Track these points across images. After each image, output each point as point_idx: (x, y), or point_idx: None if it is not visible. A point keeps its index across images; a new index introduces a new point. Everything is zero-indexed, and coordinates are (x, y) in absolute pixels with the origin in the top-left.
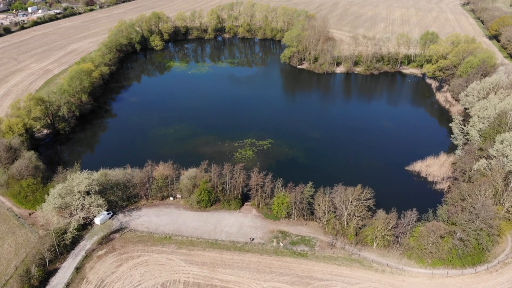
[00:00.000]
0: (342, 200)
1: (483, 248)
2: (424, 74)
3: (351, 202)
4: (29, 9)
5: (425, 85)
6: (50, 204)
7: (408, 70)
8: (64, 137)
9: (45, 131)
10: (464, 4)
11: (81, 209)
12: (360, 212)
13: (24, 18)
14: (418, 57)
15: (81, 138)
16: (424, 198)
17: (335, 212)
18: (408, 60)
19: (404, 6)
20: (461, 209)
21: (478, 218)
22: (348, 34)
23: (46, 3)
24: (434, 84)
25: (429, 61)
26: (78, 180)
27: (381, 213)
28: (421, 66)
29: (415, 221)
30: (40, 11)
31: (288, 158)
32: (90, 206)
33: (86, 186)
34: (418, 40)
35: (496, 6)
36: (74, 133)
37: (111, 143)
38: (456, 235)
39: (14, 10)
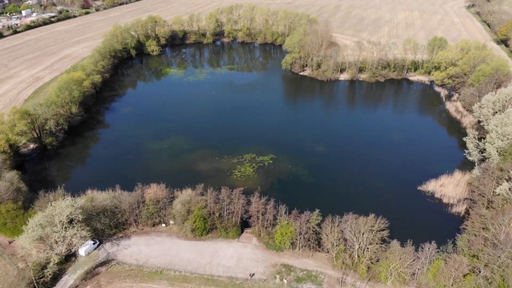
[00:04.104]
0: (353, 232)
1: (508, 286)
2: (432, 82)
3: (363, 234)
4: (23, 13)
5: (433, 93)
6: (29, 237)
7: (415, 77)
8: (52, 152)
9: (31, 146)
10: (468, 6)
11: (63, 241)
12: (373, 245)
13: (18, 21)
14: (425, 64)
15: (69, 153)
16: (441, 223)
17: (345, 244)
18: (415, 66)
19: (407, 9)
20: (483, 240)
21: (504, 252)
22: (352, 38)
23: (40, 6)
24: (443, 92)
25: (437, 68)
26: (59, 208)
27: (395, 244)
28: (429, 73)
29: (433, 255)
30: (34, 14)
31: (291, 177)
32: (73, 238)
33: (68, 216)
34: (425, 46)
35: (503, 9)
36: (63, 147)
37: (101, 159)
38: (480, 272)
39: (8, 14)
